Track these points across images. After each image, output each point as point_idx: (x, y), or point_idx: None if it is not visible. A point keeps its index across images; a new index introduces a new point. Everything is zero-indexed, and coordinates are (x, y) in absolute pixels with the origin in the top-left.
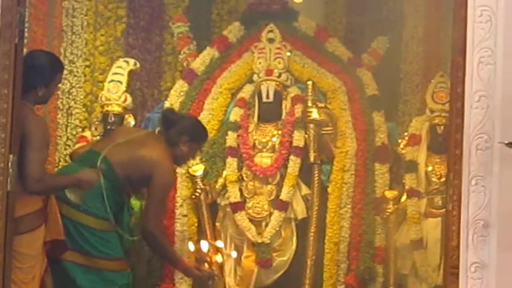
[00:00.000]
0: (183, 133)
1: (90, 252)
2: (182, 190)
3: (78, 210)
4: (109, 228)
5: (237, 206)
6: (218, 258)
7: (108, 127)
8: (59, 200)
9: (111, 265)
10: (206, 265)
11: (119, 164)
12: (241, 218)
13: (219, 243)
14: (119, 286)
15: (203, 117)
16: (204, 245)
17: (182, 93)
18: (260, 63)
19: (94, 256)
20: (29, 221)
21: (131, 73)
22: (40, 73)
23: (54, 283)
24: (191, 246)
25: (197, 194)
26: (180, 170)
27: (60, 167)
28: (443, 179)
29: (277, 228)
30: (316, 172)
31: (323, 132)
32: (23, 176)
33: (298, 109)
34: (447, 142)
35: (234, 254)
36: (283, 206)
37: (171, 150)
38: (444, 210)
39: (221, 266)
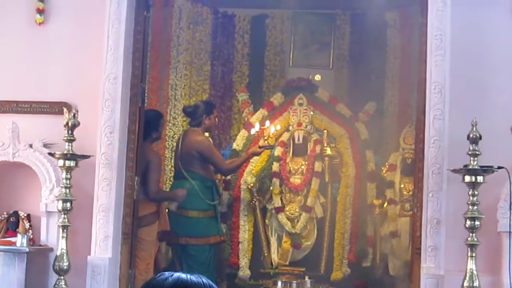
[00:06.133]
0: (202, 114)
1: (196, 234)
2: (244, 199)
3: (188, 209)
4: (210, 215)
5: (279, 209)
6: (272, 129)
7: None
8: (181, 208)
9: (209, 240)
10: (266, 142)
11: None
12: (282, 217)
13: (267, 123)
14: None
15: None
16: (257, 127)
17: (244, 138)
18: (293, 118)
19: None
20: (148, 219)
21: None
22: (152, 123)
23: (178, 257)
24: (252, 130)
25: (254, 201)
26: (242, 187)
27: (166, 184)
28: (410, 193)
29: (305, 223)
30: (329, 188)
31: (334, 162)
32: (147, 190)
33: (318, 148)
34: (413, 168)
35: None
36: (308, 209)
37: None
38: (411, 212)
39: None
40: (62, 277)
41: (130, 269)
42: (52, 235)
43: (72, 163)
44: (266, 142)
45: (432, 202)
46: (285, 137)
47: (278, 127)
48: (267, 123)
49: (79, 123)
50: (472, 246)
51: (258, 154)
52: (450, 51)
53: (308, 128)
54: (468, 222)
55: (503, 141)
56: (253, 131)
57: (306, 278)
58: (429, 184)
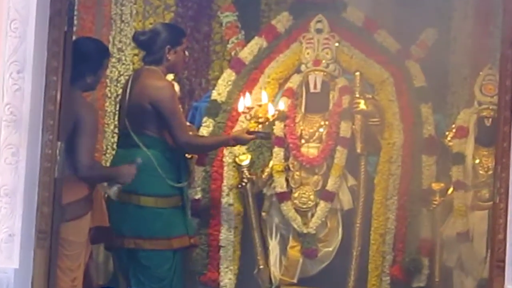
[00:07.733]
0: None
1: (152, 234)
2: (228, 179)
3: (139, 194)
4: (174, 204)
5: (283, 196)
6: (270, 111)
7: None
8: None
9: (173, 243)
10: (260, 126)
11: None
12: (287, 208)
13: (264, 96)
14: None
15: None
16: (248, 100)
17: (229, 83)
18: (308, 53)
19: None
20: (75, 208)
21: None
22: (87, 60)
23: (122, 270)
24: (240, 106)
25: (243, 183)
26: (226, 160)
27: (107, 154)
28: (490, 172)
29: (323, 219)
30: (362, 163)
31: (370, 123)
32: (75, 162)
33: (346, 100)
34: (495, 135)
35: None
36: (329, 196)
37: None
38: (491, 203)
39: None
40: None
41: (47, 287)
42: None
43: None
44: (259, 127)
45: None
46: (294, 82)
47: (282, 106)
48: (265, 96)
49: None
50: None
51: (244, 142)
52: None
53: (331, 68)
54: None
55: None
56: (241, 107)
57: None
58: None
